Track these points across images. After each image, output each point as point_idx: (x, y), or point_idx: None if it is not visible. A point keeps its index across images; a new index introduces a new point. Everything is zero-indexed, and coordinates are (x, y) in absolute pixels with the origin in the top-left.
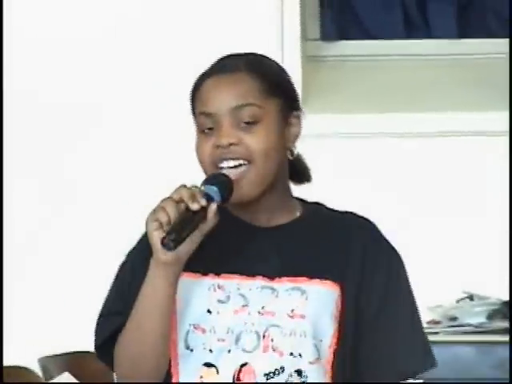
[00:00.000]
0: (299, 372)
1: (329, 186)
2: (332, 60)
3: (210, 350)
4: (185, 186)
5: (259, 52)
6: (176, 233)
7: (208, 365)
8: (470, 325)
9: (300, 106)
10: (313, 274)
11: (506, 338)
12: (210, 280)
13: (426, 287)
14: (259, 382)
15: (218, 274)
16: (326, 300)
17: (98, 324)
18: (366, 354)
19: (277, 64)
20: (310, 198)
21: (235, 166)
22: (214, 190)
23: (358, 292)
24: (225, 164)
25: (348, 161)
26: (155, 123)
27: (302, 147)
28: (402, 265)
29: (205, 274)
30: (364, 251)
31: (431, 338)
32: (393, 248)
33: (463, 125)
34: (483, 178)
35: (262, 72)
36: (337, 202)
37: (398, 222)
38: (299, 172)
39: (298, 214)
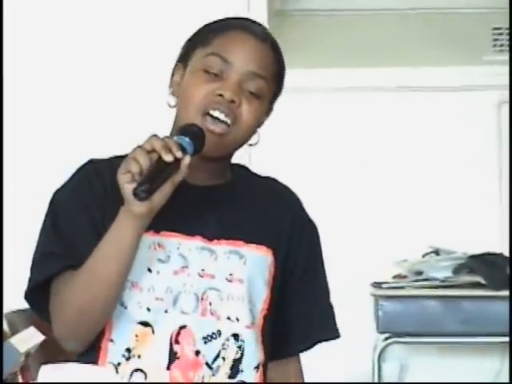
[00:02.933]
0: (236, 336)
1: (296, 139)
2: (298, 14)
3: (148, 309)
4: (155, 136)
5: (224, 4)
6: (148, 183)
7: (144, 324)
8: (435, 279)
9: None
10: (249, 238)
11: (471, 293)
12: (150, 237)
13: (393, 242)
14: (197, 345)
15: (157, 231)
16: (261, 265)
17: (37, 263)
18: (286, 319)
19: None
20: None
21: (223, 121)
22: (187, 142)
23: (285, 259)
24: (217, 114)
25: (313, 115)
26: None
27: None
28: (319, 236)
29: (145, 230)
30: (293, 220)
31: (397, 292)
32: (311, 219)
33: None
34: (449, 136)
35: (279, 57)
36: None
37: (362, 178)
38: None
39: (229, 175)
